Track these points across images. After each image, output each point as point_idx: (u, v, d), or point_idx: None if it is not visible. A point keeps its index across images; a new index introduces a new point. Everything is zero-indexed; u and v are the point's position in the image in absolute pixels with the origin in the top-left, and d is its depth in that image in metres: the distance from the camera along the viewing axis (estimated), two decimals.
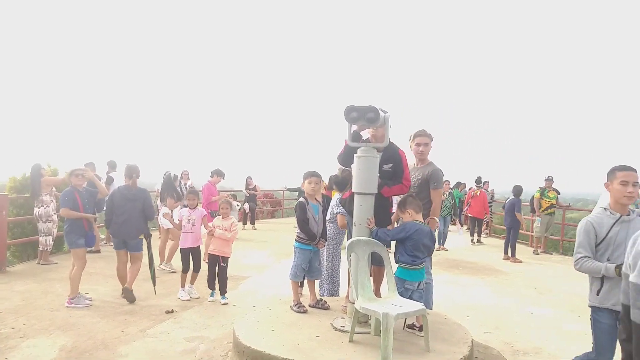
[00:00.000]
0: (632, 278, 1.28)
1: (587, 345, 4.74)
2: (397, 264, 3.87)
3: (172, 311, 5.27)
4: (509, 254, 10.02)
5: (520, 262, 9.72)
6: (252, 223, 13.94)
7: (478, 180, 13.51)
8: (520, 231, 14.05)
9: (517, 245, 11.22)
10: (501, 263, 9.59)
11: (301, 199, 4.59)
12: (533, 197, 11.35)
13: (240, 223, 12.99)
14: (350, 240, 3.77)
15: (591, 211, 11.03)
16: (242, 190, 14.50)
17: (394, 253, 3.94)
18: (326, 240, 4.84)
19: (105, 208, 5.93)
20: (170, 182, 8.10)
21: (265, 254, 9.44)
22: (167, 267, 7.48)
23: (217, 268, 5.72)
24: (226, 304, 5.66)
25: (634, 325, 1.27)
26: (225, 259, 5.73)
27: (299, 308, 4.37)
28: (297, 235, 4.57)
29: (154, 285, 5.93)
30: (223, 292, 5.79)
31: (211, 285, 5.80)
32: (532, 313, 5.94)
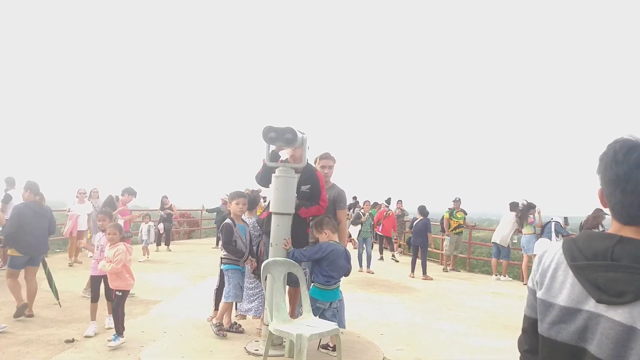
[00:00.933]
0: (540, 295, 1.35)
1: (492, 359, 5.06)
2: (312, 284, 3.89)
3: (73, 340, 4.88)
4: (422, 272, 10.44)
5: (431, 279, 10.17)
6: (167, 244, 13.38)
7: (388, 201, 14.31)
8: (430, 249, 14.81)
9: (428, 264, 11.73)
10: (414, 280, 9.97)
11: (228, 220, 4.48)
12: (443, 218, 11.99)
13: (154, 244, 12.41)
14: (266, 261, 3.74)
15: (494, 230, 11.63)
16: (157, 210, 13.92)
17: (309, 274, 3.96)
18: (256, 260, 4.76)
19: (7, 226, 5.56)
20: (112, 203, 7.93)
21: (179, 276, 9.07)
22: (86, 294, 6.92)
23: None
24: (114, 348, 4.68)
25: (541, 338, 1.34)
26: (123, 291, 4.86)
27: (219, 330, 4.23)
28: (224, 257, 4.46)
29: (57, 300, 5.53)
30: (117, 330, 4.80)
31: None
32: (441, 329, 6.21)
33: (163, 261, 11.01)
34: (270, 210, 3.89)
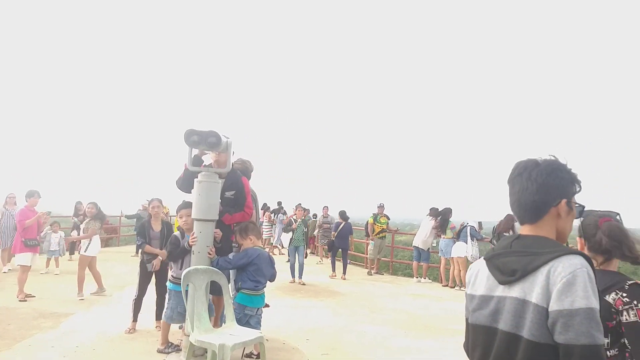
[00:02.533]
0: (467, 291, 1.62)
1: (414, 359, 5.22)
2: (238, 291, 3.81)
3: None
4: (343, 272, 10.95)
5: (347, 279, 10.68)
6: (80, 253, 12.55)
7: (279, 204, 14.75)
8: (355, 253, 15.12)
9: (353, 267, 11.97)
10: (339, 285, 10.10)
11: (176, 232, 4.24)
12: (367, 222, 12.28)
13: (67, 253, 11.58)
14: (186, 270, 3.61)
15: (415, 234, 12.05)
16: (70, 217, 13.02)
17: (234, 281, 3.88)
18: None
19: None
20: None
21: (94, 286, 8.52)
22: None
23: None
24: None
25: (467, 325, 1.61)
26: None
27: (169, 349, 4.04)
28: (171, 276, 4.22)
29: None
30: None
31: None
32: (365, 331, 6.32)
33: (76, 271, 10.30)
34: (193, 216, 3.77)
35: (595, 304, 1.29)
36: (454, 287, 10.19)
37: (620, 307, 1.92)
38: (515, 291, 1.41)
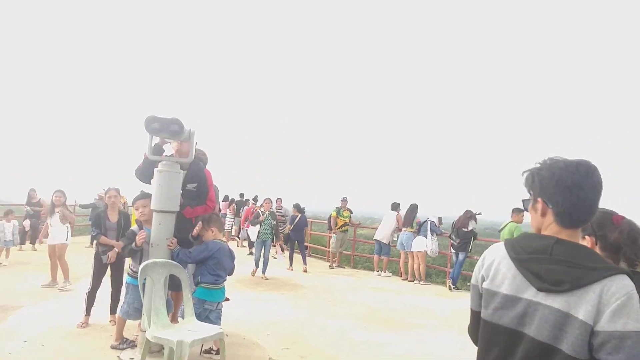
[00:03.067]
0: (485, 285, 1.57)
1: (374, 353, 5.26)
2: (198, 285, 3.71)
3: None
4: (303, 263, 11.07)
5: (308, 273, 10.79)
6: (32, 243, 12.02)
7: (255, 199, 14.57)
8: (317, 246, 15.15)
9: (315, 260, 11.96)
10: (301, 277, 10.09)
11: (134, 227, 4.05)
12: (330, 216, 12.30)
13: (18, 244, 11.05)
14: (144, 263, 3.47)
15: (376, 228, 12.12)
16: (23, 205, 12.44)
17: (193, 275, 3.77)
18: None
19: None
20: None
21: (46, 278, 8.17)
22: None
23: None
24: None
25: (484, 323, 1.56)
26: None
27: (123, 345, 3.88)
28: (130, 269, 4.04)
29: None
30: None
31: None
32: (327, 325, 6.32)
33: (26, 262, 9.85)
34: (152, 207, 3.63)
35: None
36: (412, 281, 10.36)
37: None
38: (557, 302, 1.37)
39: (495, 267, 1.55)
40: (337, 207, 12.23)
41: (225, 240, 4.14)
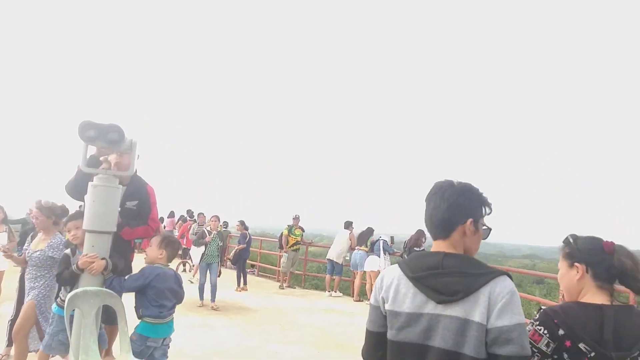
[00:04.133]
0: (387, 307, 1.63)
1: None
2: (140, 319, 3.26)
3: None
4: (244, 282, 10.72)
5: (247, 290, 10.58)
6: None
7: (190, 213, 14.08)
8: (267, 265, 14.68)
9: (265, 281, 11.50)
10: (248, 299, 9.60)
11: (68, 250, 3.50)
12: (281, 234, 11.92)
13: None
14: (72, 292, 2.98)
15: (329, 247, 11.80)
16: None
17: (135, 308, 3.30)
18: None
19: None
20: None
21: None
22: None
23: None
24: None
25: (391, 343, 1.61)
26: None
27: None
28: (59, 298, 3.48)
29: None
30: None
31: None
32: (277, 351, 5.94)
33: None
34: (84, 227, 3.14)
35: (524, 318, 1.50)
36: (363, 301, 10.17)
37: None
38: (456, 310, 1.49)
39: (395, 288, 1.62)
40: (288, 225, 11.87)
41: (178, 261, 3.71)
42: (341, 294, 11.04)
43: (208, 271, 8.69)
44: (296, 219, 11.86)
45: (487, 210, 1.68)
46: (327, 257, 11.27)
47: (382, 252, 10.02)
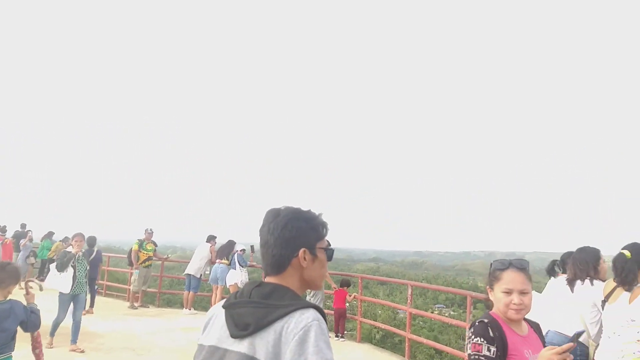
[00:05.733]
0: (199, 340, 1.50)
1: None
2: None
3: None
4: (91, 305, 9.66)
5: (92, 313, 9.52)
6: None
7: (2, 229, 12.80)
8: (115, 284, 13.48)
9: (114, 301, 10.53)
10: (94, 322, 8.65)
11: None
12: (131, 250, 11.04)
13: None
14: None
15: (188, 262, 11.21)
16: None
17: None
18: None
19: None
20: None
21: None
22: None
23: None
24: None
25: None
26: None
27: None
28: None
29: None
30: None
31: None
32: None
33: None
34: None
35: (327, 356, 1.27)
36: None
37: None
38: (243, 346, 1.33)
39: (213, 319, 1.49)
40: (139, 240, 11.05)
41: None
42: (196, 312, 10.53)
43: (72, 304, 6.76)
44: (149, 233, 11.09)
45: (323, 231, 1.51)
46: (185, 272, 10.72)
47: (237, 264, 9.72)
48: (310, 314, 1.32)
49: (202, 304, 11.22)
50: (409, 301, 7.68)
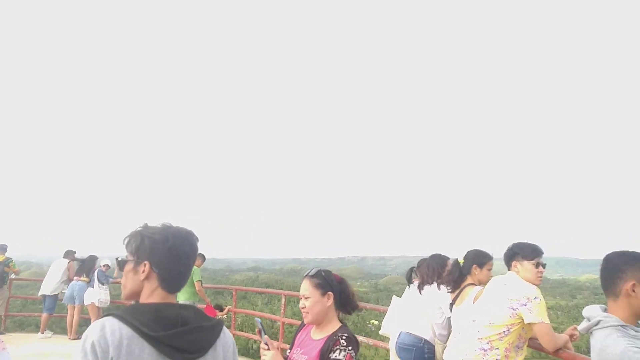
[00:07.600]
0: None
1: None
2: None
3: None
4: None
5: None
6: None
7: None
8: None
9: None
10: None
11: None
12: None
13: None
14: None
15: (41, 280, 10.05)
16: None
17: None
18: None
19: None
20: None
21: None
22: None
23: None
24: None
25: None
26: None
27: None
28: None
29: None
30: None
31: None
32: None
33: None
34: None
35: None
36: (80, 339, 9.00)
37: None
38: None
39: (126, 348, 1.39)
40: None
41: None
42: (51, 334, 9.52)
43: None
44: (2, 248, 9.75)
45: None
46: (40, 294, 9.55)
47: (96, 281, 8.95)
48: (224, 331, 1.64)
49: (62, 325, 10.12)
50: (282, 311, 7.81)
